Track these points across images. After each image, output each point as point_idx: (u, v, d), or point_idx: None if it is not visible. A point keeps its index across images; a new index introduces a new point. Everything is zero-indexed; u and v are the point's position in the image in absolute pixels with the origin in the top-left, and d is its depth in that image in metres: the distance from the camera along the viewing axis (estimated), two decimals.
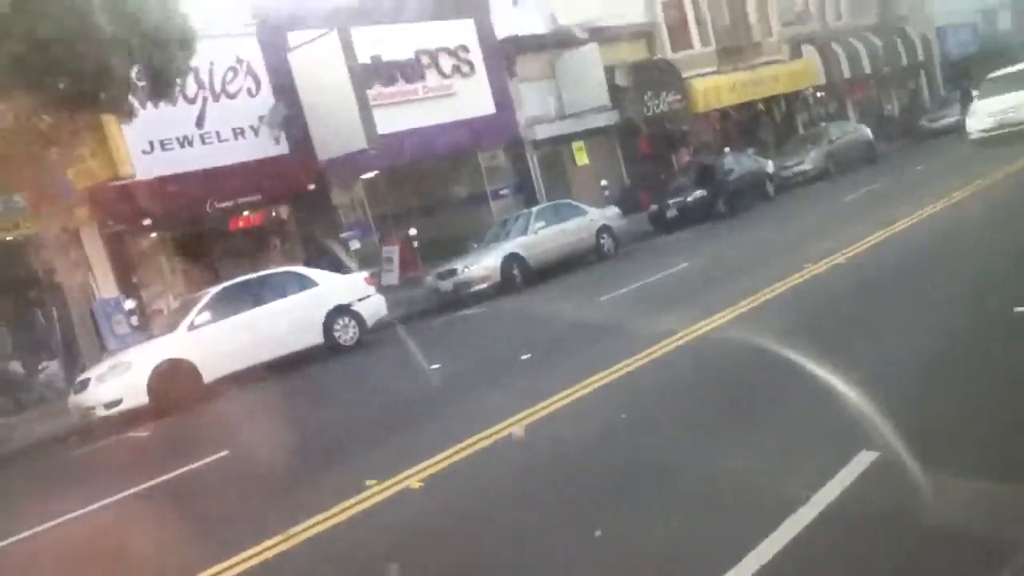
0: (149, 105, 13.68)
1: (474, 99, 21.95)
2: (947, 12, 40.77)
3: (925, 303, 7.81)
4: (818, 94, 33.46)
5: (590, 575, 4.15)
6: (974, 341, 6.33)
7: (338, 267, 15.95)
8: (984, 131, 20.53)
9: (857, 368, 5.77)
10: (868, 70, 34.08)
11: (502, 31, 22.95)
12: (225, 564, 5.18)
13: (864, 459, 4.51)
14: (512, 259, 17.06)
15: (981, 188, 13.78)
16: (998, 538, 3.58)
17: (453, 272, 16.82)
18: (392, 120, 19.13)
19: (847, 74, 33.13)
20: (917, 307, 7.77)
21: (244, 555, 5.25)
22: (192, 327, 12.44)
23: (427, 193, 21.93)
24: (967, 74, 37.12)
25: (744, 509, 4.39)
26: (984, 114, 20.76)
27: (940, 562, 3.56)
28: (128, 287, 16.25)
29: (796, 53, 32.12)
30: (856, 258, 10.62)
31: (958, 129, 23.36)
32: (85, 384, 11.85)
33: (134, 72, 12.78)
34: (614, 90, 24.35)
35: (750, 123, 30.70)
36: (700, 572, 3.76)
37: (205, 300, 12.86)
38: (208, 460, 8.22)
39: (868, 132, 27.82)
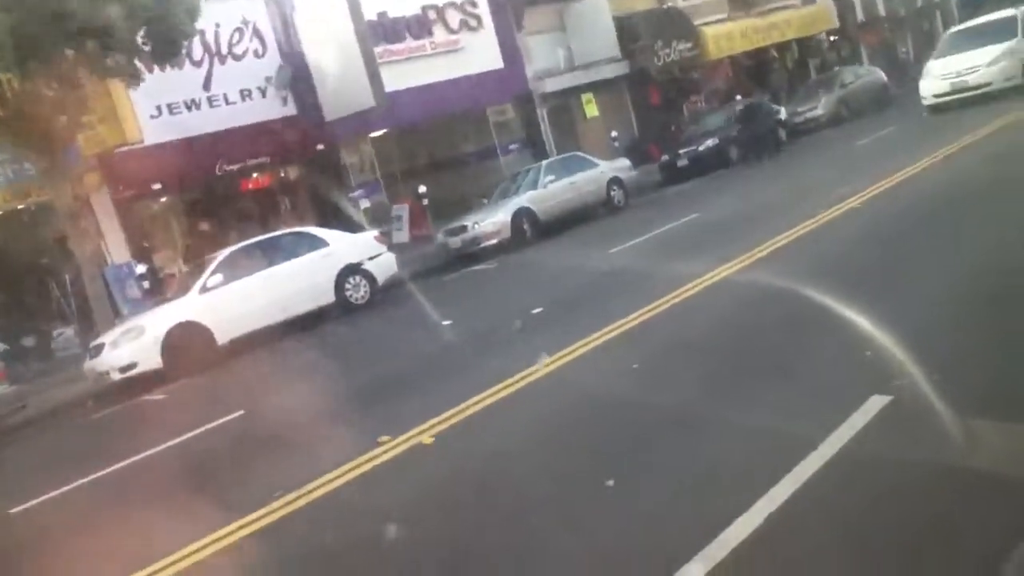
0: (156, 69, 13.61)
1: (482, 54, 21.71)
2: None
3: (940, 247, 7.70)
4: (831, 38, 32.86)
5: (598, 524, 4.15)
6: (989, 285, 6.23)
7: (349, 226, 15.91)
8: (938, 96, 18.03)
9: (873, 311, 5.71)
10: (883, 12, 33.45)
11: None
12: (241, 521, 5.23)
13: (878, 402, 4.48)
14: (522, 214, 16.99)
15: (994, 131, 13.53)
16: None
17: (463, 228, 16.77)
18: (400, 77, 19.00)
19: (861, 17, 32.54)
20: (932, 251, 7.67)
21: (260, 512, 5.30)
22: (204, 290, 12.48)
23: (436, 150, 21.81)
24: (984, 12, 36.16)
25: (757, 455, 4.38)
26: (938, 75, 18.11)
27: (957, 503, 3.54)
28: (140, 252, 16.33)
29: None
30: (869, 203, 10.48)
31: None
32: (99, 349, 11.95)
33: (139, 36, 12.69)
34: (624, 40, 23.99)
35: (762, 69, 30.23)
36: (711, 519, 3.76)
37: (216, 263, 12.88)
38: (224, 420, 8.30)
39: (882, 76, 27.32)
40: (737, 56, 28.76)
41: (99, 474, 7.53)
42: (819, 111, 24.51)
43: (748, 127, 21.61)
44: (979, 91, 17.21)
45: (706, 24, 26.70)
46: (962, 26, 20.23)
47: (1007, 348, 4.89)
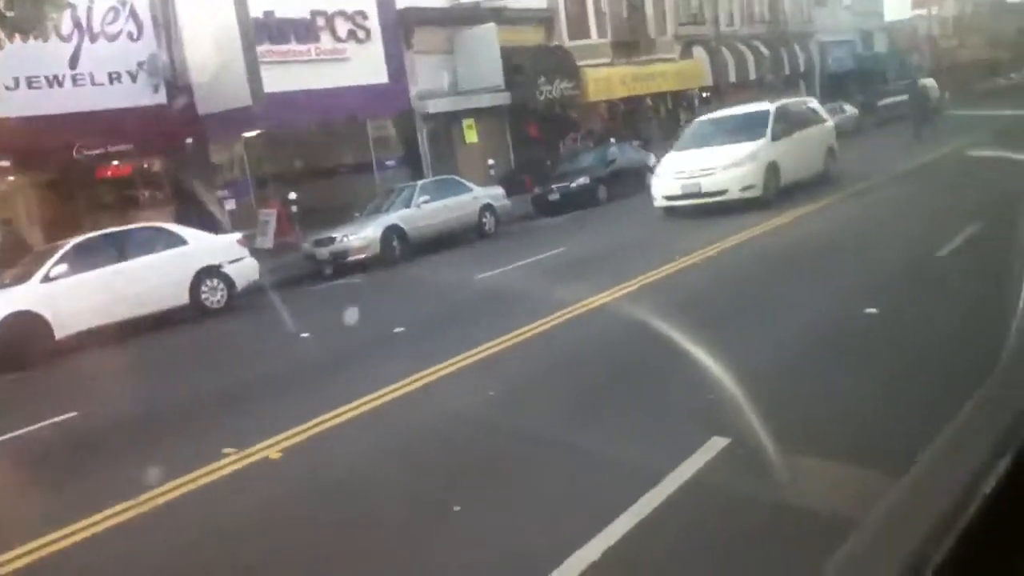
0: (17, 38, 12.80)
1: (367, 66, 21.51)
2: (830, 29, 42.88)
3: (789, 297, 8.17)
4: (704, 94, 34.48)
5: (439, 550, 4.15)
6: (829, 337, 6.67)
7: (211, 226, 15.37)
8: (669, 197, 15.31)
9: (720, 356, 5.97)
10: (753, 76, 35.39)
11: (402, 1, 22.59)
12: (56, 534, 4.88)
13: (717, 443, 4.66)
14: (393, 231, 16.88)
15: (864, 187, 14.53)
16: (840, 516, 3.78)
17: (331, 240, 16.52)
18: (280, 79, 18.55)
19: (732, 78, 34.30)
20: (781, 301, 8.13)
21: (77, 526, 4.97)
22: (46, 279, 11.76)
23: (311, 158, 21.43)
24: (844, 88, 39.27)
25: (600, 488, 4.48)
26: (672, 174, 15.28)
27: (783, 538, 3.72)
28: None
29: (687, 53, 32.98)
30: (729, 251, 11.00)
31: None
32: None
33: (3, 1, 11.96)
34: (509, 71, 24.38)
35: (637, 116, 31.34)
36: (551, 551, 3.81)
37: (63, 251, 12.16)
38: (53, 420, 7.78)
39: None
40: (615, 101, 29.70)
41: None
42: None
43: (615, 170, 22.25)
44: (712, 199, 14.60)
45: (589, 66, 27.48)
46: (710, 115, 17.45)
47: (835, 393, 5.23)
